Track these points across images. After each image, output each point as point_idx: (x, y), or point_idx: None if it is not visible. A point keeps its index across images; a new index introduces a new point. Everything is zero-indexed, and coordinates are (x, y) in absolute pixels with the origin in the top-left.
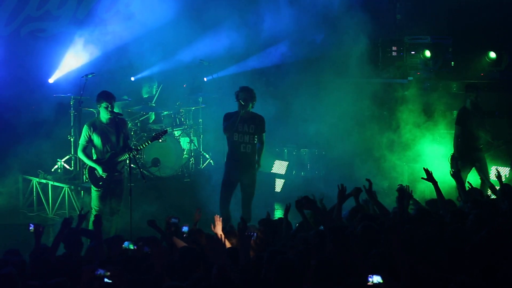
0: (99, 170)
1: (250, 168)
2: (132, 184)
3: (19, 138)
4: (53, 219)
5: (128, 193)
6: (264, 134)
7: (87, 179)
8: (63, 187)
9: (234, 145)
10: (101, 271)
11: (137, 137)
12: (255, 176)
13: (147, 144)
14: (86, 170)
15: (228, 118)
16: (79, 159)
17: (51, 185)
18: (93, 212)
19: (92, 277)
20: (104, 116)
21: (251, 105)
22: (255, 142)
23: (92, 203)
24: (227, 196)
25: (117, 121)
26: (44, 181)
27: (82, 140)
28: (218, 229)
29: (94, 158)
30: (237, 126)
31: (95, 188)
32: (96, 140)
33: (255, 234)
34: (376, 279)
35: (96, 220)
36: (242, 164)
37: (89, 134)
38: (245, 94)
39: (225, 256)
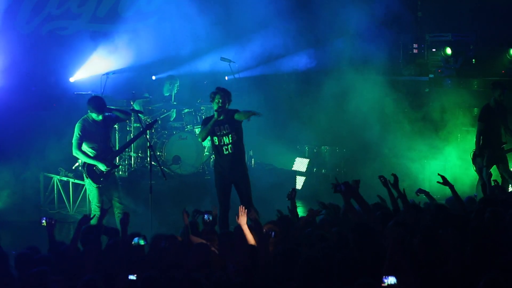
0: (101, 166)
1: (239, 167)
2: (153, 182)
3: (40, 135)
4: (74, 217)
5: (149, 190)
6: (239, 110)
7: (87, 177)
8: (83, 185)
9: (217, 150)
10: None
11: (157, 134)
12: (246, 171)
13: (138, 136)
14: (85, 168)
15: (206, 123)
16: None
17: (72, 182)
18: (96, 210)
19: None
20: (94, 116)
21: (227, 105)
22: (235, 138)
23: (92, 201)
24: (225, 201)
25: (106, 118)
26: (65, 178)
27: (77, 138)
28: (243, 220)
29: (91, 155)
30: (214, 129)
31: (94, 185)
32: (90, 136)
33: (273, 232)
34: (391, 280)
35: (124, 217)
36: (229, 166)
37: (82, 132)
38: (222, 95)
39: (244, 253)
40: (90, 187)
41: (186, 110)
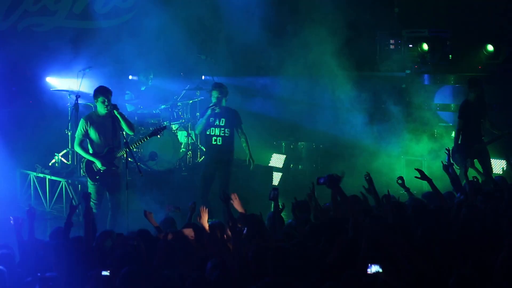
0: (98, 163)
1: (224, 159)
2: (129, 178)
3: (17, 132)
4: (50, 213)
5: (125, 187)
6: (242, 125)
7: (84, 172)
8: (60, 181)
9: (207, 139)
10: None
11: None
12: (229, 167)
13: (145, 139)
14: (84, 163)
15: (202, 115)
16: (76, 153)
17: (49, 179)
18: (92, 205)
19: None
20: (101, 110)
21: (224, 100)
22: (227, 135)
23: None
24: (205, 189)
25: (113, 115)
26: (41, 175)
27: (79, 134)
28: (204, 220)
29: (90, 152)
30: (209, 120)
31: (91, 182)
32: (93, 134)
33: (245, 228)
34: (375, 268)
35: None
36: (216, 157)
37: (85, 128)
38: (219, 91)
39: (220, 248)
40: (88, 182)
41: (162, 106)
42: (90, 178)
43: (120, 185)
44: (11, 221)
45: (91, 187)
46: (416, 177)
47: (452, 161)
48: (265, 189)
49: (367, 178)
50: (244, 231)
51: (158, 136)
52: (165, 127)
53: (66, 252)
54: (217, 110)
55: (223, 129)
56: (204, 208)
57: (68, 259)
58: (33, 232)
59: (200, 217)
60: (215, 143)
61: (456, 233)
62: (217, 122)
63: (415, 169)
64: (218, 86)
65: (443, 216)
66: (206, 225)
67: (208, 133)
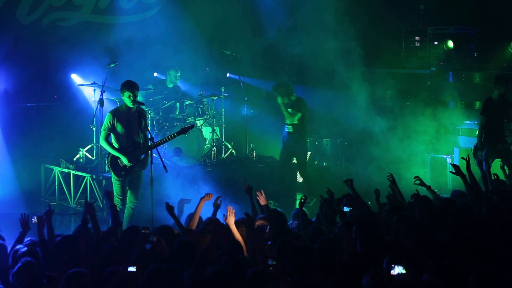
0: (124, 159)
1: (298, 141)
2: (154, 174)
3: (42, 127)
4: (74, 208)
5: (149, 183)
6: (300, 113)
7: (109, 168)
8: (85, 176)
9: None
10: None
11: (159, 126)
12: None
13: (173, 136)
14: (109, 158)
15: None
16: (101, 148)
17: (73, 174)
18: (117, 201)
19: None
20: (127, 105)
21: (291, 95)
22: (296, 122)
23: (114, 192)
24: (282, 166)
25: (139, 111)
26: (66, 170)
27: (105, 128)
28: (230, 220)
29: (116, 147)
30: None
31: (116, 177)
32: (119, 128)
33: (268, 226)
34: (399, 269)
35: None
36: (291, 140)
37: (112, 122)
38: (280, 92)
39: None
40: (112, 178)
41: (187, 102)
42: (115, 174)
43: (141, 182)
44: (34, 221)
45: (115, 183)
46: (451, 172)
47: (475, 158)
48: (290, 185)
49: (390, 179)
50: (267, 229)
51: (186, 135)
52: (192, 126)
53: (90, 248)
54: (286, 101)
55: (292, 116)
56: (231, 208)
57: (91, 255)
58: (52, 232)
59: (226, 216)
60: (287, 130)
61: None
62: (288, 112)
63: (451, 164)
64: (280, 85)
65: (469, 213)
66: (233, 226)
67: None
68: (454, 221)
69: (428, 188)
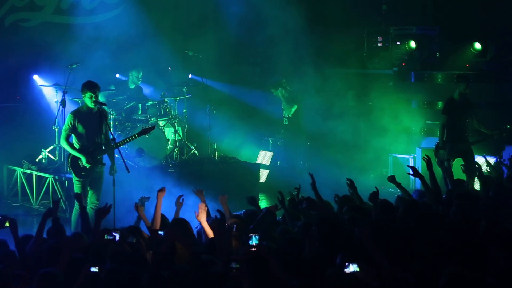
0: (83, 160)
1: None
2: (115, 175)
3: (3, 128)
4: (37, 209)
5: (112, 184)
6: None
7: (69, 168)
8: (47, 177)
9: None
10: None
11: (121, 127)
12: None
13: (133, 137)
14: (69, 159)
15: None
16: (63, 149)
17: (36, 175)
18: (77, 203)
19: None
20: (88, 106)
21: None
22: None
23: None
24: None
25: (101, 111)
26: (28, 171)
27: (66, 128)
28: (202, 217)
29: (77, 147)
30: None
31: (76, 178)
32: (80, 129)
33: (234, 225)
34: (353, 267)
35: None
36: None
37: (73, 123)
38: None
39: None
40: (73, 178)
41: (150, 103)
42: (75, 174)
43: (102, 182)
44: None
45: (76, 183)
46: (408, 173)
47: (437, 158)
48: (252, 186)
49: (348, 183)
50: (234, 228)
51: (147, 136)
52: (153, 127)
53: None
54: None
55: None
56: (203, 205)
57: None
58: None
59: (198, 213)
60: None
61: (445, 231)
62: None
63: (408, 166)
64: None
65: (432, 213)
66: (205, 223)
67: None
68: (414, 223)
69: (398, 185)
